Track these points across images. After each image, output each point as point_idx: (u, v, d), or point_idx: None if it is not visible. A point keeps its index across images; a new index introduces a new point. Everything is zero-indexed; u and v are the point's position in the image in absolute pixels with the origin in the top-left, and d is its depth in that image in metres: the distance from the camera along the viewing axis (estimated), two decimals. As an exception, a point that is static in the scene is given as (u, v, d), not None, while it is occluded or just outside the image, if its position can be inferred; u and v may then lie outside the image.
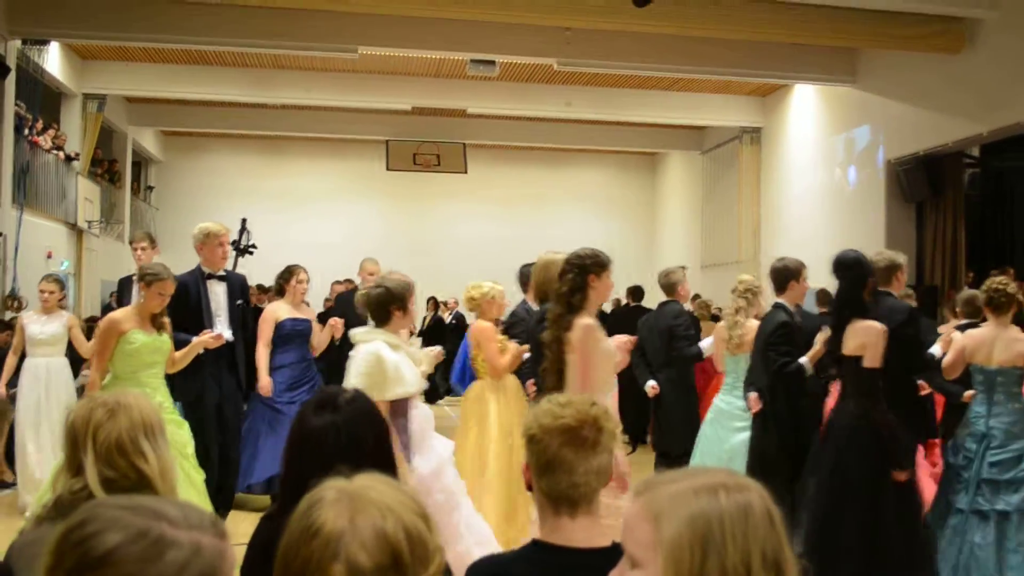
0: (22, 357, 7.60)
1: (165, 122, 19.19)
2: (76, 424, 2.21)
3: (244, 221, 12.71)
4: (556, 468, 2.04)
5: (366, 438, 2.21)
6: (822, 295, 8.72)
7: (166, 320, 5.34)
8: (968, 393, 5.31)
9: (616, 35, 12.34)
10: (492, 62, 13.57)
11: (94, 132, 15.67)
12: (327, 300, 10.51)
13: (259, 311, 8.39)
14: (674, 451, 7.05)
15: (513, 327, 6.12)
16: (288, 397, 7.09)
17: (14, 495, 7.64)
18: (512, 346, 5.85)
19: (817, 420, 5.34)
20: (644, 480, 1.32)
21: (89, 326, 9.84)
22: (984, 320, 6.17)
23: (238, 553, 1.38)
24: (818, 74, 14.00)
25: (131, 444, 2.19)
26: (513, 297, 6.39)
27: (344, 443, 2.17)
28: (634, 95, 16.54)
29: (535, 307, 5.84)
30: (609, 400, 4.20)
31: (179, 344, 5.56)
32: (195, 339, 5.70)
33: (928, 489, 5.40)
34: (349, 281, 9.90)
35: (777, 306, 5.53)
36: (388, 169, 19.07)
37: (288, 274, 7.27)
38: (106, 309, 13.63)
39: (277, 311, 7.19)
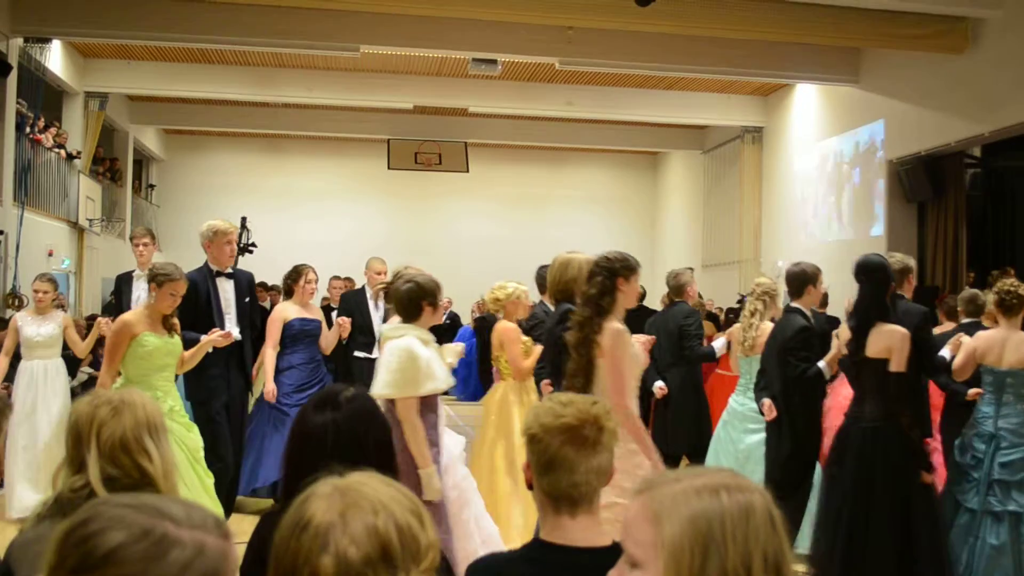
0: (16, 358, 7.44)
1: (167, 120, 19.19)
2: (80, 421, 2.21)
3: (244, 220, 12.72)
4: (557, 467, 2.04)
5: (366, 436, 2.21)
6: (823, 297, 8.71)
7: (175, 321, 5.27)
8: (973, 391, 5.33)
9: (618, 34, 12.33)
10: (494, 61, 13.56)
11: (96, 130, 15.68)
12: (324, 298, 10.48)
13: (265, 309, 8.36)
14: (679, 451, 7.05)
15: (534, 328, 6.08)
16: (296, 399, 6.90)
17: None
18: (538, 349, 5.82)
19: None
20: (644, 479, 1.31)
21: (88, 324, 9.82)
22: (976, 320, 6.24)
23: (240, 552, 1.37)
24: (820, 74, 13.98)
25: (135, 442, 2.19)
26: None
27: (344, 441, 2.17)
28: (636, 94, 16.54)
29: (551, 308, 5.83)
30: (635, 404, 4.20)
31: (188, 343, 5.50)
32: (204, 338, 5.64)
33: None
34: (348, 279, 9.88)
35: (793, 310, 5.51)
36: (389, 168, 19.06)
37: (296, 274, 7.16)
38: (107, 307, 13.64)
39: (285, 311, 7.09)
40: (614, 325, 4.16)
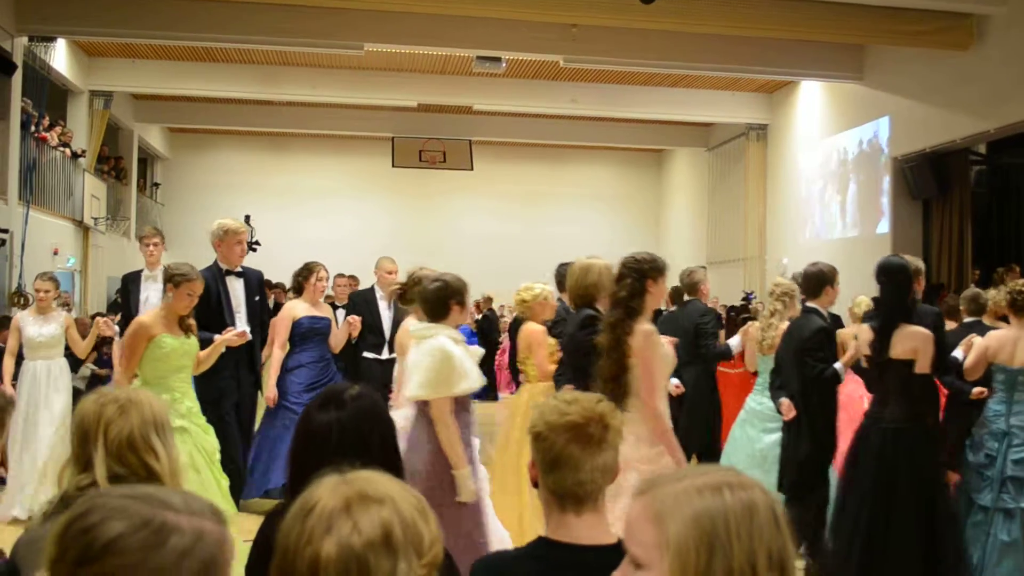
0: (19, 358, 7.33)
1: (171, 119, 19.22)
2: (87, 419, 2.21)
3: (248, 218, 12.73)
4: (562, 465, 2.03)
5: (371, 435, 2.21)
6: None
7: (192, 322, 5.18)
8: (976, 390, 5.36)
9: (622, 31, 12.32)
10: (498, 59, 13.56)
11: (100, 129, 15.70)
12: (328, 296, 10.46)
13: (274, 307, 8.29)
14: (693, 450, 7.04)
15: (555, 326, 6.05)
16: (306, 399, 6.65)
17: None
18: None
19: None
20: (646, 479, 1.30)
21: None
22: (977, 319, 6.27)
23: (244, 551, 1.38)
24: (825, 70, 13.96)
25: (142, 441, 2.19)
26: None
27: (348, 440, 2.17)
28: (640, 92, 16.52)
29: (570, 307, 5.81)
30: (665, 404, 4.20)
31: (201, 343, 5.40)
32: (218, 337, 5.56)
33: None
34: (353, 277, 9.86)
35: (810, 310, 5.51)
36: (394, 166, 19.08)
37: (307, 271, 7.01)
38: (112, 306, 13.67)
39: (294, 309, 6.97)
40: (645, 326, 4.17)
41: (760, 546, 1.19)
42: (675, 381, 7.12)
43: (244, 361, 6.25)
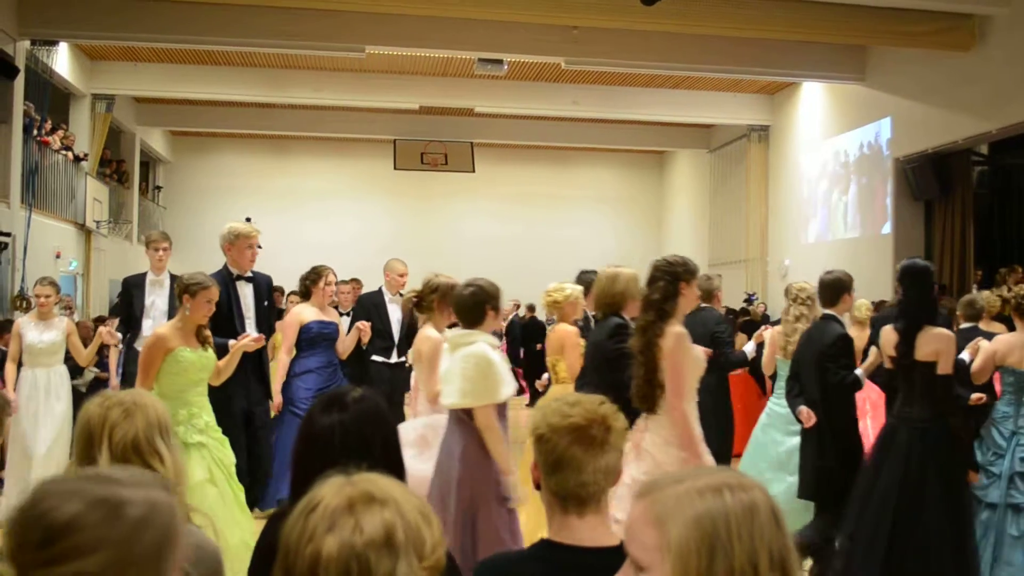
0: (18, 364, 7.16)
1: (173, 122, 19.24)
2: (92, 423, 2.21)
3: (248, 220, 12.67)
4: (565, 467, 2.03)
5: (373, 438, 2.21)
6: None
7: (208, 333, 5.04)
8: (975, 396, 5.45)
9: (623, 33, 12.33)
10: (500, 61, 13.57)
11: (102, 132, 15.71)
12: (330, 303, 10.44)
13: (279, 312, 8.19)
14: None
15: (586, 327, 6.03)
16: None
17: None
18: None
19: None
20: (645, 482, 1.30)
21: (97, 325, 9.79)
22: (974, 324, 6.33)
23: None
24: (826, 72, 13.96)
25: (147, 444, 2.20)
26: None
27: (351, 443, 2.16)
28: (641, 93, 16.53)
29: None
30: (693, 407, 4.21)
31: (216, 350, 5.25)
32: (234, 343, 5.40)
33: None
34: (356, 280, 9.85)
35: (828, 317, 5.54)
36: (395, 168, 19.08)
37: (316, 275, 6.84)
38: (114, 309, 13.67)
39: (302, 313, 6.78)
40: (676, 329, 4.18)
41: (761, 546, 1.19)
42: None
43: (252, 367, 6.07)
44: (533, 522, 5.17)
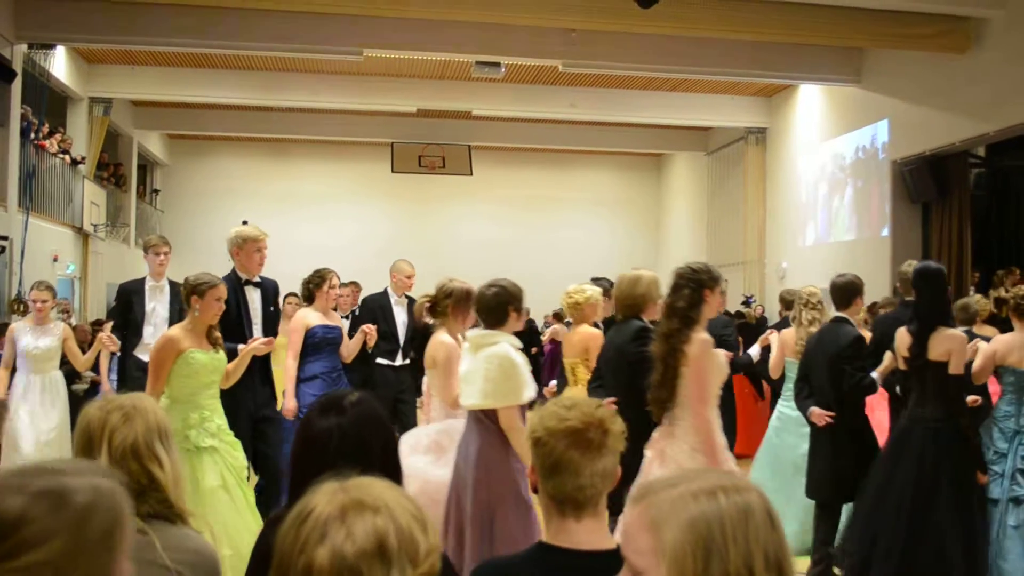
0: (12, 370, 7.02)
1: (170, 125, 19.24)
2: (91, 426, 2.21)
3: (244, 223, 12.60)
4: (562, 470, 2.03)
5: (371, 441, 2.20)
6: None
7: (218, 335, 4.97)
8: (971, 398, 5.55)
9: (621, 36, 12.34)
10: (497, 64, 13.57)
11: (100, 136, 15.71)
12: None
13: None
14: None
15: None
16: None
17: None
18: None
19: None
20: (641, 486, 1.30)
21: (94, 328, 9.76)
22: (968, 328, 6.42)
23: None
24: (823, 74, 13.97)
25: (146, 448, 2.20)
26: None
27: (349, 446, 2.16)
28: (639, 96, 16.54)
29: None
30: (716, 414, 4.23)
31: (226, 353, 5.19)
32: (243, 347, 5.32)
33: None
34: (354, 283, 9.84)
35: (840, 320, 5.59)
36: (393, 171, 19.08)
37: (319, 279, 6.67)
38: (110, 313, 13.67)
39: (307, 318, 6.61)
40: (702, 335, 4.21)
41: (756, 548, 1.19)
42: None
43: (258, 372, 5.96)
44: None
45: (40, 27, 12.03)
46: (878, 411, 6.46)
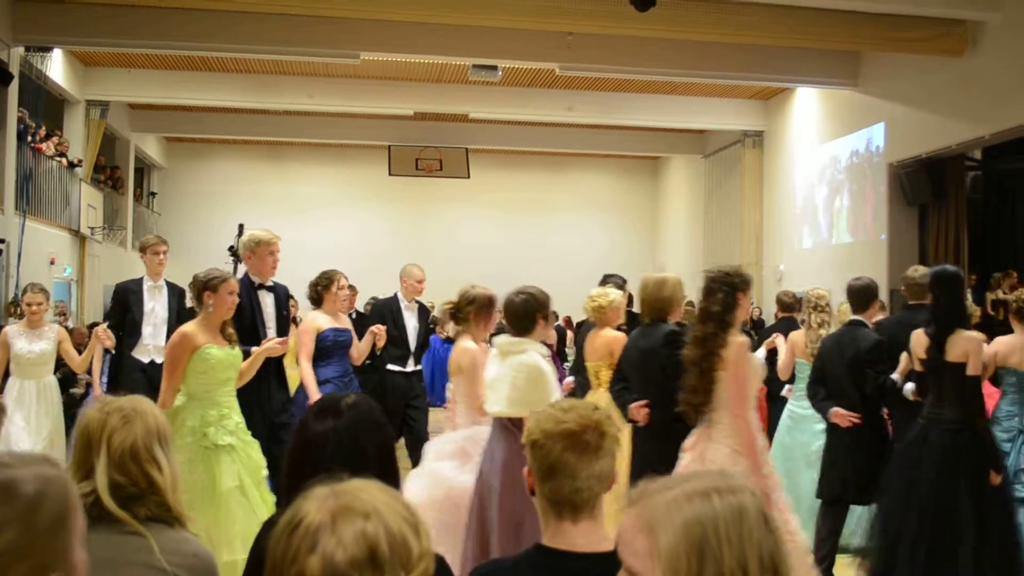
0: (5, 375, 6.81)
1: (167, 128, 19.24)
2: (91, 428, 2.21)
3: (241, 227, 12.57)
4: (558, 473, 2.03)
5: (367, 444, 2.21)
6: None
7: (232, 331, 4.88)
8: None
9: (618, 39, 12.36)
10: (494, 67, 13.59)
11: (97, 138, 15.71)
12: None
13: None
14: None
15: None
16: None
17: None
18: None
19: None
20: (636, 489, 1.30)
21: (91, 332, 9.74)
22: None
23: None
24: (820, 77, 14.00)
25: (145, 451, 2.20)
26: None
27: (345, 449, 2.16)
28: (636, 99, 16.55)
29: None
30: (755, 415, 4.25)
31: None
32: (256, 349, 5.23)
33: None
34: (351, 287, 9.83)
35: (858, 323, 5.65)
36: (390, 174, 19.08)
37: (328, 280, 6.49)
38: (108, 313, 13.66)
39: (317, 321, 6.42)
40: (740, 339, 4.26)
41: (751, 550, 1.19)
42: None
43: (272, 376, 5.86)
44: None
45: (37, 30, 12.03)
46: None
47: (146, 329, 7.06)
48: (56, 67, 13.94)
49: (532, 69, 14.69)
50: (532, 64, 13.84)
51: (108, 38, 12.29)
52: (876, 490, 5.16)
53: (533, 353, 4.13)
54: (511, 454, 4.02)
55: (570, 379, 6.84)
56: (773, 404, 7.68)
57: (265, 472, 4.81)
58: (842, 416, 5.46)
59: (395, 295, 7.68)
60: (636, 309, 5.77)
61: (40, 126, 13.66)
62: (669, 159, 21.89)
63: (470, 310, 4.89)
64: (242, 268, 6.51)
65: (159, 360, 7.03)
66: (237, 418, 4.78)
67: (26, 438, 6.73)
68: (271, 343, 5.29)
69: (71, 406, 7.87)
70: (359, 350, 6.58)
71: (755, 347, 7.61)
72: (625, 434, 5.46)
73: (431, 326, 12.41)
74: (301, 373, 6.24)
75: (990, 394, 5.65)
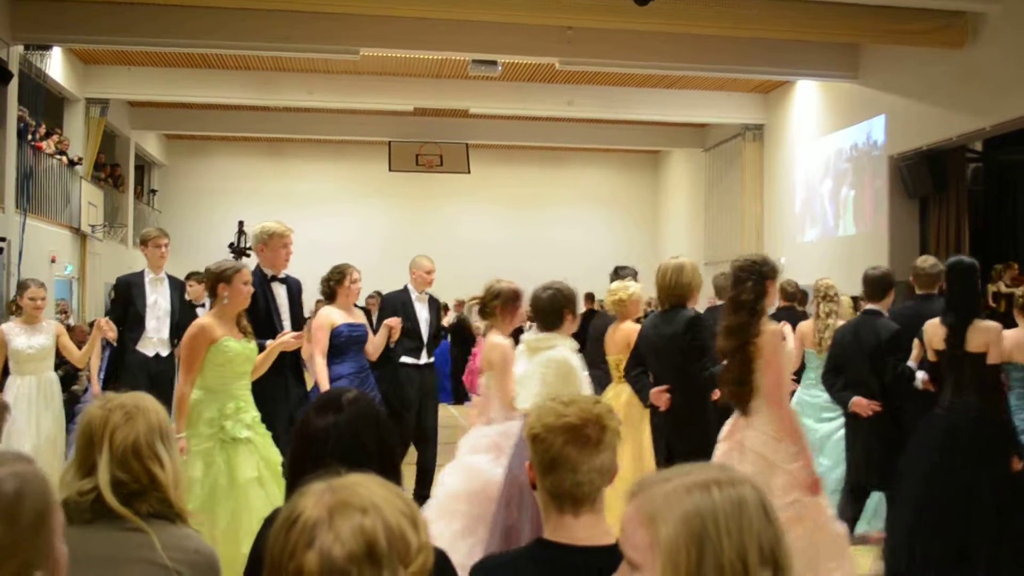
0: (5, 372, 6.68)
1: (167, 126, 19.23)
2: (93, 425, 2.21)
3: (241, 223, 12.66)
4: (560, 466, 2.03)
5: (368, 439, 2.21)
6: (804, 296, 8.75)
7: (247, 324, 4.85)
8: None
9: (617, 33, 12.34)
10: (494, 62, 13.57)
11: (97, 136, 15.71)
12: (319, 301, 10.29)
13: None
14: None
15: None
16: None
17: None
18: None
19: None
20: (637, 481, 1.31)
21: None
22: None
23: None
24: (820, 70, 13.98)
25: (147, 448, 2.20)
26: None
27: (346, 444, 2.16)
28: (636, 93, 16.54)
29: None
30: (789, 403, 4.28)
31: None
32: (271, 342, 5.16)
33: None
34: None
35: (873, 312, 5.70)
36: (391, 170, 19.08)
37: (340, 275, 6.39)
38: (110, 308, 13.67)
39: (331, 316, 6.28)
40: (773, 326, 4.26)
41: (750, 541, 1.19)
42: None
43: (290, 370, 5.79)
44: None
45: (36, 28, 12.02)
46: None
47: (150, 323, 7.01)
48: (56, 65, 13.93)
49: (532, 64, 14.68)
50: (532, 59, 13.83)
51: (107, 36, 12.28)
52: (896, 476, 5.20)
53: (562, 348, 4.15)
54: None
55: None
56: None
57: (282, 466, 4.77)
58: (863, 406, 5.50)
59: (405, 287, 7.60)
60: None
61: (40, 124, 13.66)
62: (669, 153, 21.88)
63: (496, 304, 4.88)
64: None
65: (164, 353, 7.06)
66: (253, 412, 4.77)
67: (26, 436, 6.73)
68: (286, 336, 5.23)
69: (72, 403, 7.86)
70: (374, 344, 6.48)
71: None
72: (644, 418, 5.53)
73: (463, 323, 12.09)
74: (315, 370, 6.13)
75: None
